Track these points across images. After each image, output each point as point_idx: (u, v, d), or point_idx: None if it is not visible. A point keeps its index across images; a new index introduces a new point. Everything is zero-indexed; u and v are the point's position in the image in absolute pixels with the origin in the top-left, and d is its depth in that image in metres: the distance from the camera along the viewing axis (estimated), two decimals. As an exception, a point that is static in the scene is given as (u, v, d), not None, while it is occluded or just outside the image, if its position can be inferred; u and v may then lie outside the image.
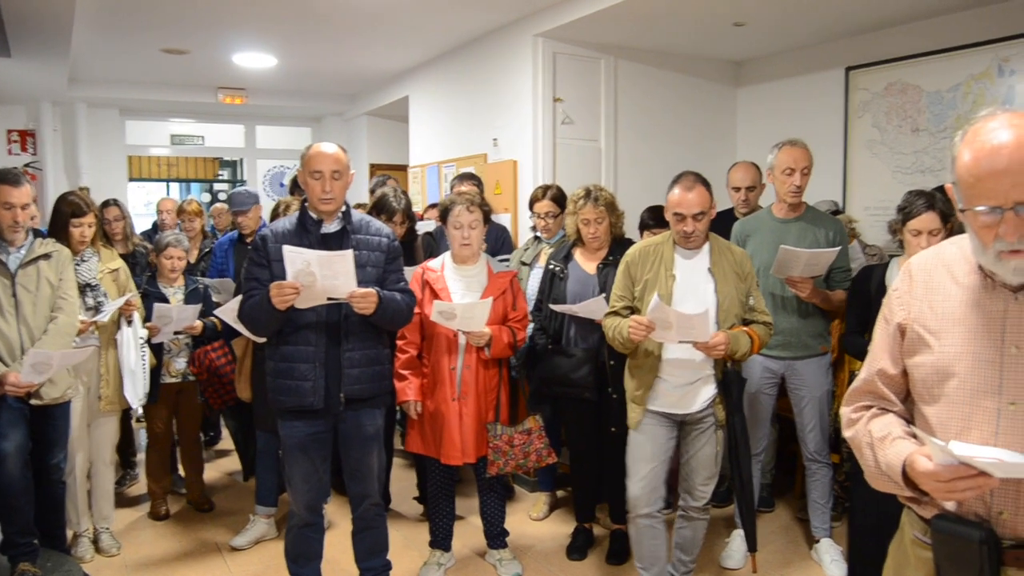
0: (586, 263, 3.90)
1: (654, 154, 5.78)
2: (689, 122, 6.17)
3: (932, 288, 1.67)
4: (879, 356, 1.75)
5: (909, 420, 1.72)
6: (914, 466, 1.54)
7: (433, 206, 5.94)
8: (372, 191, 5.26)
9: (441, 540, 3.87)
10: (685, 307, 3.08)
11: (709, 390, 3.24)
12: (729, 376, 3.22)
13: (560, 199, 4.37)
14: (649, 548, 3.35)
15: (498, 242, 4.87)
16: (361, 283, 3.07)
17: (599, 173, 5.70)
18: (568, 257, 3.95)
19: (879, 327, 1.78)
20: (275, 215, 4.30)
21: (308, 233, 3.13)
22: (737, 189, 4.51)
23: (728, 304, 3.17)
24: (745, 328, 3.20)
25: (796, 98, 5.87)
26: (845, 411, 1.80)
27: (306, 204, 3.19)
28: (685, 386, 3.22)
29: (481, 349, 3.60)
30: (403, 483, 4.86)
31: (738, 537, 3.92)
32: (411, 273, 3.92)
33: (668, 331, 3.03)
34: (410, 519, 4.54)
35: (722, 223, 4.20)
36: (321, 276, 2.93)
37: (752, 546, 3.45)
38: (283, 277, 2.95)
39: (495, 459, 3.63)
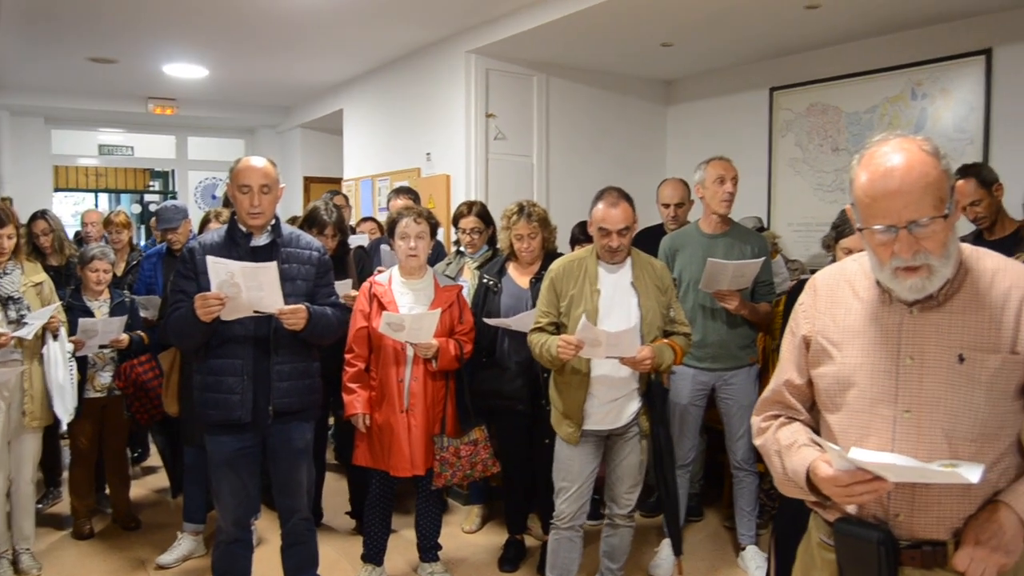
0: (520, 277, 3.95)
1: (586, 170, 5.88)
2: (620, 139, 6.29)
3: (835, 302, 1.75)
4: (786, 367, 1.83)
5: (815, 428, 1.80)
6: (816, 472, 1.61)
7: (366, 220, 5.93)
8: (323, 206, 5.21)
9: (374, 554, 3.86)
10: (610, 320, 3.14)
11: (634, 404, 3.31)
12: (653, 388, 3.30)
13: (485, 215, 4.42)
14: (564, 559, 3.41)
15: (432, 255, 4.89)
16: (291, 297, 3.07)
17: (531, 188, 5.77)
18: (502, 271, 4.00)
19: (786, 340, 1.86)
20: (204, 223, 4.25)
21: (237, 246, 3.11)
22: (667, 205, 4.62)
23: (651, 317, 3.25)
24: (667, 340, 3.28)
25: (723, 117, 6.04)
26: (755, 420, 1.88)
27: (236, 217, 3.18)
28: (612, 402, 3.29)
29: (428, 361, 3.61)
30: (336, 498, 4.83)
31: (667, 546, 3.99)
32: (341, 287, 3.92)
33: (597, 348, 3.08)
34: (342, 533, 4.52)
35: (652, 238, 4.32)
36: (246, 288, 2.91)
37: (677, 550, 3.53)
38: (210, 289, 2.93)
39: (442, 471, 3.65)
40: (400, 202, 4.85)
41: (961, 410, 1.58)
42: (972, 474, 1.45)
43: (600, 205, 3.24)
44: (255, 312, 3.00)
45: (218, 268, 2.90)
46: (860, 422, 1.66)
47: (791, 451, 1.71)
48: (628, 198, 3.26)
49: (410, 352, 3.61)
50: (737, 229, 4.03)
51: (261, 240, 3.15)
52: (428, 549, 3.93)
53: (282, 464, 3.24)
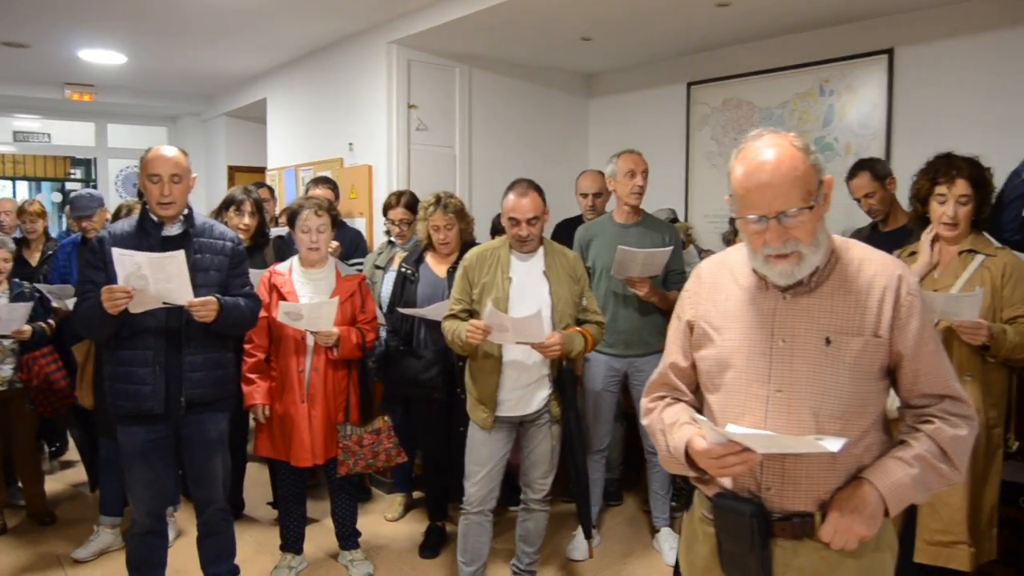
0: (437, 267, 4.01)
1: (508, 161, 5.93)
2: (543, 131, 6.36)
3: (717, 288, 1.85)
4: (672, 351, 1.93)
5: (699, 409, 1.90)
6: (693, 446, 1.71)
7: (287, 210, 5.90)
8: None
9: (292, 543, 3.88)
10: (521, 308, 3.22)
11: (545, 390, 3.39)
12: (564, 375, 3.38)
13: (413, 205, 4.46)
14: (474, 543, 3.48)
15: (352, 246, 4.91)
16: (204, 287, 3.06)
17: (453, 179, 5.81)
18: (419, 261, 4.04)
19: (672, 324, 1.96)
20: (116, 217, 4.19)
21: (148, 236, 3.09)
22: (585, 195, 4.72)
23: (562, 305, 3.33)
24: (579, 328, 3.36)
25: (643, 110, 6.15)
26: (644, 401, 1.97)
27: (147, 207, 3.15)
28: (524, 388, 3.37)
29: (330, 350, 3.62)
30: (259, 488, 4.82)
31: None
32: (256, 276, 3.91)
33: (504, 334, 3.16)
34: (264, 524, 4.51)
35: (572, 228, 4.41)
36: (153, 279, 2.89)
37: (587, 533, 3.63)
38: (117, 281, 2.91)
39: (345, 459, 3.67)
40: (319, 192, 4.85)
41: (827, 389, 1.68)
42: (832, 444, 1.55)
43: (511, 195, 3.31)
44: (164, 304, 2.98)
45: (124, 260, 2.88)
46: (737, 401, 1.76)
47: (673, 429, 1.81)
48: (538, 189, 3.34)
49: (310, 341, 3.62)
50: (649, 220, 4.14)
51: (173, 230, 3.13)
52: (347, 537, 3.96)
53: (196, 455, 3.23)
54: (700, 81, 5.71)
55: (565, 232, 4.65)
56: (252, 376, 3.64)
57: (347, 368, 3.74)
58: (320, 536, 4.24)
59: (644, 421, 1.96)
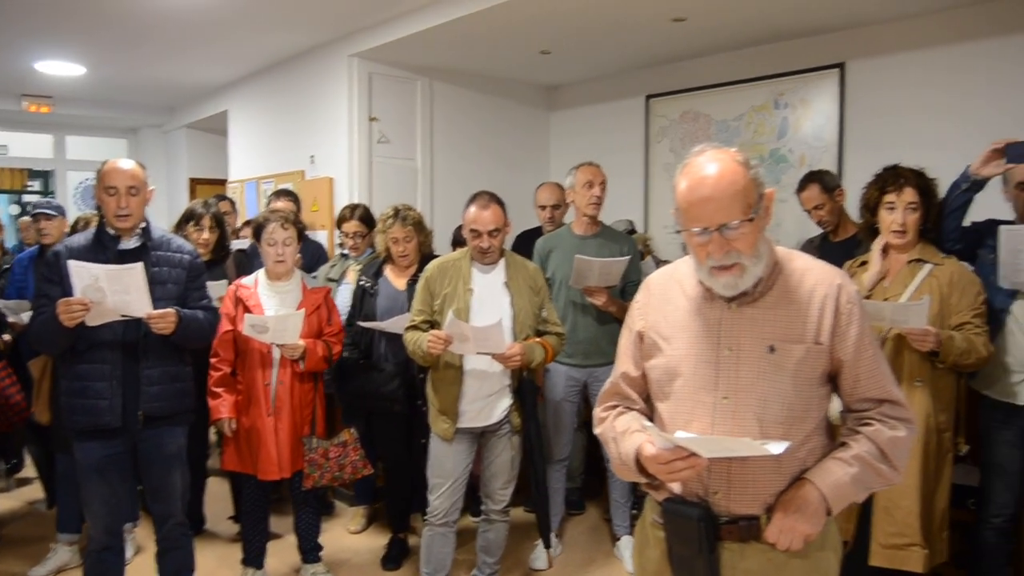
0: (396, 280, 4.02)
1: (470, 173, 5.96)
2: (504, 143, 6.41)
3: (666, 299, 1.90)
4: (623, 361, 1.97)
5: (651, 418, 1.94)
6: (642, 452, 1.75)
7: (249, 223, 5.88)
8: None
9: (254, 558, 3.85)
10: (483, 319, 3.24)
11: (506, 400, 3.42)
12: (524, 385, 3.42)
13: (367, 218, 4.48)
14: (438, 555, 3.50)
15: (314, 259, 4.92)
16: (161, 300, 3.04)
17: (415, 191, 5.84)
18: (378, 274, 4.06)
19: (623, 335, 2.00)
20: (75, 230, 4.15)
21: (105, 249, 3.07)
22: (543, 207, 4.76)
23: (523, 316, 3.37)
24: (539, 339, 3.40)
25: (603, 123, 6.23)
26: (596, 411, 2.01)
27: (103, 220, 3.14)
28: (485, 398, 3.39)
29: (296, 363, 3.62)
30: (221, 503, 4.78)
31: (543, 539, 4.13)
32: (218, 288, 3.90)
33: (465, 343, 3.19)
34: (226, 539, 4.48)
35: (532, 240, 4.46)
36: (111, 291, 2.88)
37: (546, 543, 3.66)
38: (74, 294, 2.88)
39: (311, 472, 3.66)
40: (281, 204, 4.85)
41: (771, 396, 1.73)
42: (775, 447, 1.60)
43: (472, 208, 3.35)
44: (122, 316, 2.97)
45: (81, 272, 2.86)
46: (685, 409, 1.80)
47: (624, 437, 1.84)
48: (499, 201, 3.38)
49: (277, 355, 3.62)
50: (607, 231, 4.20)
51: (130, 243, 3.11)
52: (309, 550, 3.94)
53: (154, 470, 3.21)
54: (658, 94, 5.81)
55: (525, 243, 4.69)
56: (218, 390, 3.62)
57: (313, 381, 3.74)
58: (282, 551, 4.21)
59: (597, 430, 1.99)
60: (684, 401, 1.81)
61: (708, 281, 1.77)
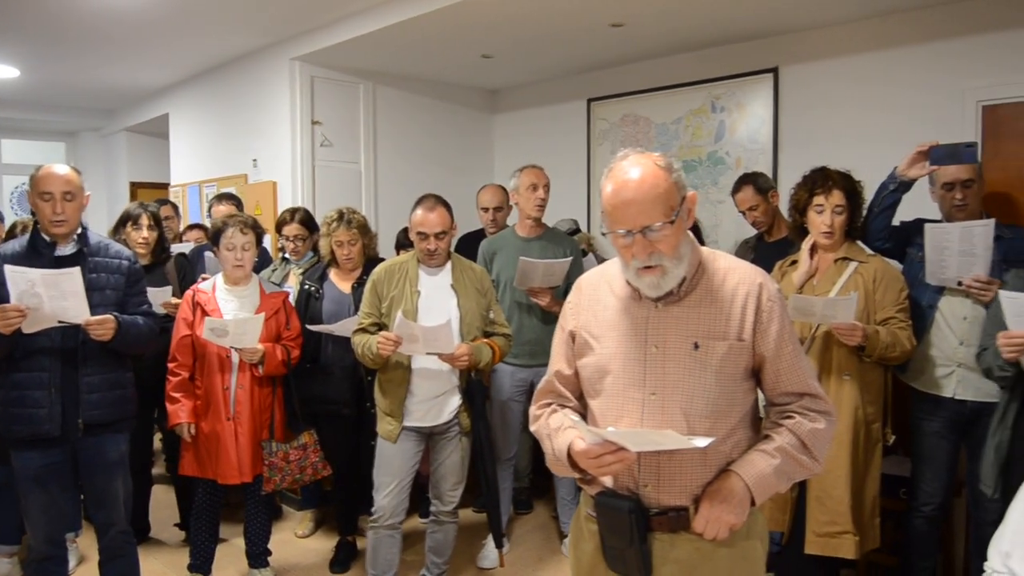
0: (341, 283, 4.04)
1: (414, 176, 5.97)
2: (448, 146, 6.44)
3: (596, 300, 1.96)
4: (556, 360, 2.03)
5: (584, 415, 2.00)
6: (573, 448, 1.81)
7: (193, 227, 5.84)
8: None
9: (201, 564, 3.84)
10: (430, 321, 3.28)
11: (455, 401, 3.47)
12: (472, 386, 3.47)
13: (308, 222, 4.49)
14: (384, 556, 3.53)
15: (257, 263, 4.88)
16: (100, 307, 3.03)
17: (359, 194, 5.83)
18: (323, 277, 4.07)
19: (557, 335, 2.06)
20: (11, 235, 4.09)
21: (40, 256, 3.03)
22: (486, 209, 4.80)
23: (470, 318, 3.42)
24: (486, 340, 3.45)
25: (546, 125, 6.29)
26: (532, 409, 2.07)
27: (38, 226, 3.10)
28: (433, 399, 3.43)
29: (255, 367, 3.63)
30: (166, 510, 4.74)
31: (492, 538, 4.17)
32: (161, 294, 3.88)
33: (415, 344, 3.23)
34: (171, 546, 4.45)
35: (476, 242, 4.50)
36: (48, 297, 2.85)
37: (498, 542, 3.70)
38: (9, 301, 2.85)
39: (271, 476, 3.68)
40: (223, 208, 4.82)
41: (696, 391, 1.80)
42: (699, 441, 1.67)
43: (418, 210, 3.39)
44: (60, 322, 2.94)
45: (17, 278, 2.83)
46: (615, 405, 1.87)
47: (557, 434, 1.90)
48: (446, 204, 3.42)
49: (235, 359, 3.63)
50: (551, 233, 4.26)
51: (66, 249, 3.09)
52: (257, 555, 3.94)
53: (96, 477, 3.19)
54: (599, 97, 5.88)
55: (468, 245, 4.73)
56: (176, 395, 3.62)
57: (272, 385, 3.75)
58: (229, 556, 4.19)
59: (532, 428, 2.05)
60: (614, 398, 1.87)
61: (634, 281, 1.83)
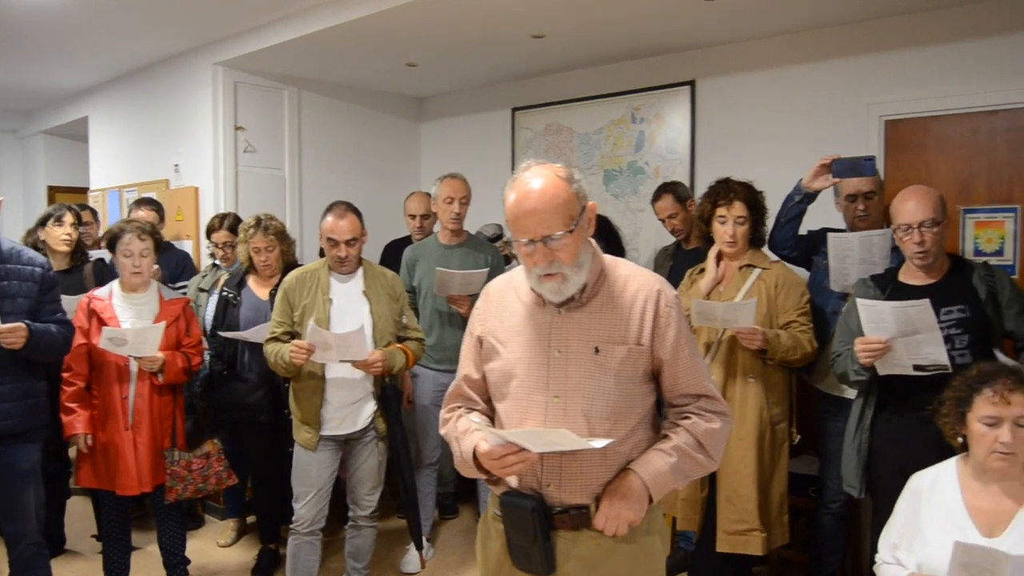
0: (259, 290, 4.02)
1: (340, 183, 5.95)
2: (374, 153, 6.44)
3: (503, 306, 2.02)
4: (465, 364, 2.09)
5: (492, 418, 2.06)
6: (478, 450, 1.87)
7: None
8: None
9: (115, 574, 3.78)
10: (343, 328, 3.30)
11: (370, 407, 3.49)
12: (387, 391, 3.50)
13: (237, 228, 4.45)
14: (304, 563, 3.54)
15: (179, 268, 4.85)
16: (11, 315, 2.98)
17: (283, 201, 5.80)
18: (241, 284, 4.05)
19: (465, 340, 2.12)
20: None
21: (-52, 263, 2.98)
22: (412, 216, 4.84)
23: (383, 324, 3.45)
24: (400, 345, 3.49)
25: (472, 134, 6.34)
26: (442, 413, 2.12)
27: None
28: (348, 406, 3.45)
29: (154, 375, 3.57)
30: (84, 522, 4.64)
31: (415, 543, 4.20)
32: (70, 303, 3.81)
33: (328, 352, 3.24)
34: (88, 557, 4.36)
35: (402, 249, 4.53)
36: None
37: (418, 544, 3.74)
38: None
39: (173, 485, 3.63)
40: (143, 213, 4.76)
41: (596, 394, 1.87)
42: (597, 443, 1.75)
43: (329, 217, 3.41)
44: None
45: None
46: (520, 408, 1.93)
47: (464, 437, 1.96)
48: (356, 211, 3.45)
49: (134, 367, 3.56)
50: (472, 240, 4.32)
51: (-25, 257, 3.03)
52: (174, 565, 3.89)
53: (7, 488, 3.12)
54: (524, 107, 5.96)
55: (394, 253, 4.75)
56: (72, 405, 3.53)
57: (172, 393, 3.70)
58: (148, 566, 4.14)
59: (442, 431, 2.10)
60: (519, 401, 1.93)
61: (537, 287, 1.90)
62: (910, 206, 2.85)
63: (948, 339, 2.77)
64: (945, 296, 2.85)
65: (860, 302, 2.85)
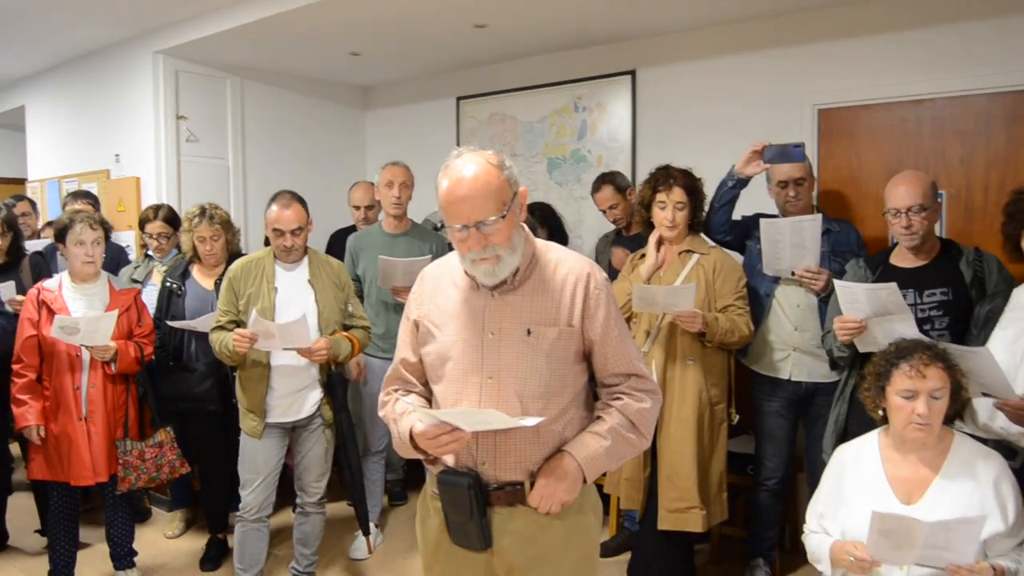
0: (204, 279, 4.02)
1: (285, 173, 5.92)
2: (320, 143, 6.43)
3: (438, 290, 2.08)
4: (402, 348, 2.14)
5: (430, 400, 2.11)
6: (414, 430, 1.92)
7: (51, 224, 5.64)
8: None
9: (62, 568, 3.75)
10: (288, 316, 3.32)
11: (316, 395, 3.51)
12: (333, 378, 3.52)
13: (172, 219, 4.44)
14: (252, 550, 3.56)
15: (113, 262, 4.79)
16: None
17: (227, 191, 5.77)
18: (185, 274, 4.03)
19: (402, 324, 2.17)
20: None
21: None
22: (357, 208, 4.85)
23: (328, 312, 3.47)
24: (345, 333, 3.52)
25: (417, 123, 6.36)
26: (380, 396, 2.17)
27: None
28: (294, 393, 3.47)
29: (107, 364, 3.57)
30: (28, 517, 4.58)
31: (364, 529, 4.24)
32: (5, 290, 3.78)
33: (271, 340, 3.26)
34: (32, 553, 4.31)
35: (347, 238, 4.54)
36: None
37: (364, 530, 3.77)
38: None
39: (126, 475, 3.63)
40: (78, 207, 4.70)
41: (529, 374, 1.94)
42: (528, 421, 1.81)
43: (274, 207, 3.42)
44: None
45: None
46: (456, 389, 1.99)
47: (401, 418, 2.01)
48: (301, 200, 3.47)
49: (86, 357, 3.56)
50: (417, 229, 4.35)
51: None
52: (121, 557, 3.88)
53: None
54: (468, 96, 5.99)
55: (341, 242, 4.76)
56: (23, 397, 3.52)
57: (125, 383, 3.70)
58: (93, 560, 4.12)
59: (380, 414, 2.15)
60: (455, 382, 1.99)
61: (471, 270, 1.95)
62: (900, 191, 2.99)
63: (928, 320, 2.92)
64: (930, 279, 3.00)
65: (838, 284, 2.98)
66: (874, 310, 2.84)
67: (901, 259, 3.11)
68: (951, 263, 3.03)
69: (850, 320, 2.91)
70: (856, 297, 2.88)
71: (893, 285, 2.79)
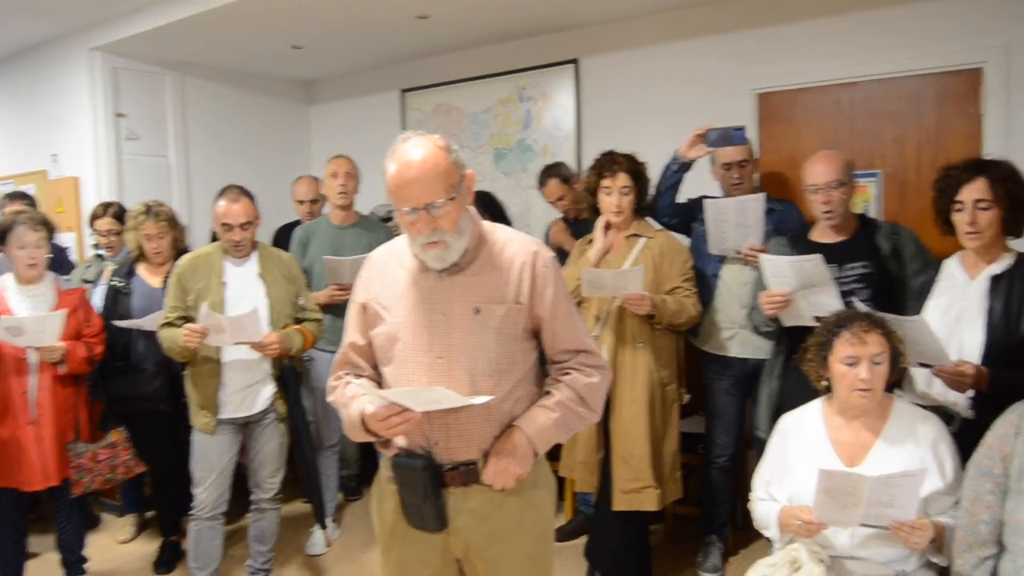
0: (151, 278, 3.95)
1: (228, 169, 5.82)
2: (263, 138, 6.37)
3: (386, 273, 2.09)
4: (351, 331, 2.15)
5: (379, 383, 2.12)
6: (364, 413, 1.93)
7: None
8: None
9: (9, 578, 3.69)
10: (238, 311, 3.29)
11: (269, 389, 3.49)
12: (286, 372, 3.51)
13: (122, 216, 4.36)
14: (207, 549, 3.54)
15: (55, 263, 4.68)
16: None
17: (169, 188, 5.68)
18: (131, 273, 3.97)
19: (350, 308, 2.17)
20: None
21: None
22: (301, 202, 4.82)
23: (279, 306, 3.45)
24: (297, 327, 3.50)
25: (362, 116, 6.33)
26: (329, 381, 2.17)
27: None
28: (246, 388, 3.44)
29: (55, 366, 3.50)
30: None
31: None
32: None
33: (222, 335, 3.23)
34: (-25, 565, 4.22)
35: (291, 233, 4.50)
36: None
37: (321, 523, 3.76)
38: None
39: (80, 478, 3.57)
40: (16, 208, 4.59)
41: (478, 352, 1.96)
42: (477, 399, 1.83)
43: (222, 201, 3.39)
44: None
45: None
46: (406, 370, 2.00)
47: (351, 402, 2.02)
48: (249, 194, 3.44)
49: (33, 359, 3.49)
50: (365, 221, 4.33)
51: None
52: (72, 564, 3.81)
53: None
54: (413, 88, 5.99)
55: (287, 237, 4.72)
56: None
57: (75, 384, 3.63)
58: (43, 570, 4.02)
59: (330, 399, 2.15)
60: (405, 363, 2.00)
61: (420, 255, 1.96)
62: (818, 168, 3.11)
63: (850, 292, 2.99)
64: (850, 253, 3.09)
65: (763, 257, 3.06)
66: (800, 282, 2.91)
67: (822, 235, 3.20)
68: (869, 237, 3.13)
69: (776, 293, 2.99)
70: (782, 270, 2.95)
71: (818, 256, 2.87)
